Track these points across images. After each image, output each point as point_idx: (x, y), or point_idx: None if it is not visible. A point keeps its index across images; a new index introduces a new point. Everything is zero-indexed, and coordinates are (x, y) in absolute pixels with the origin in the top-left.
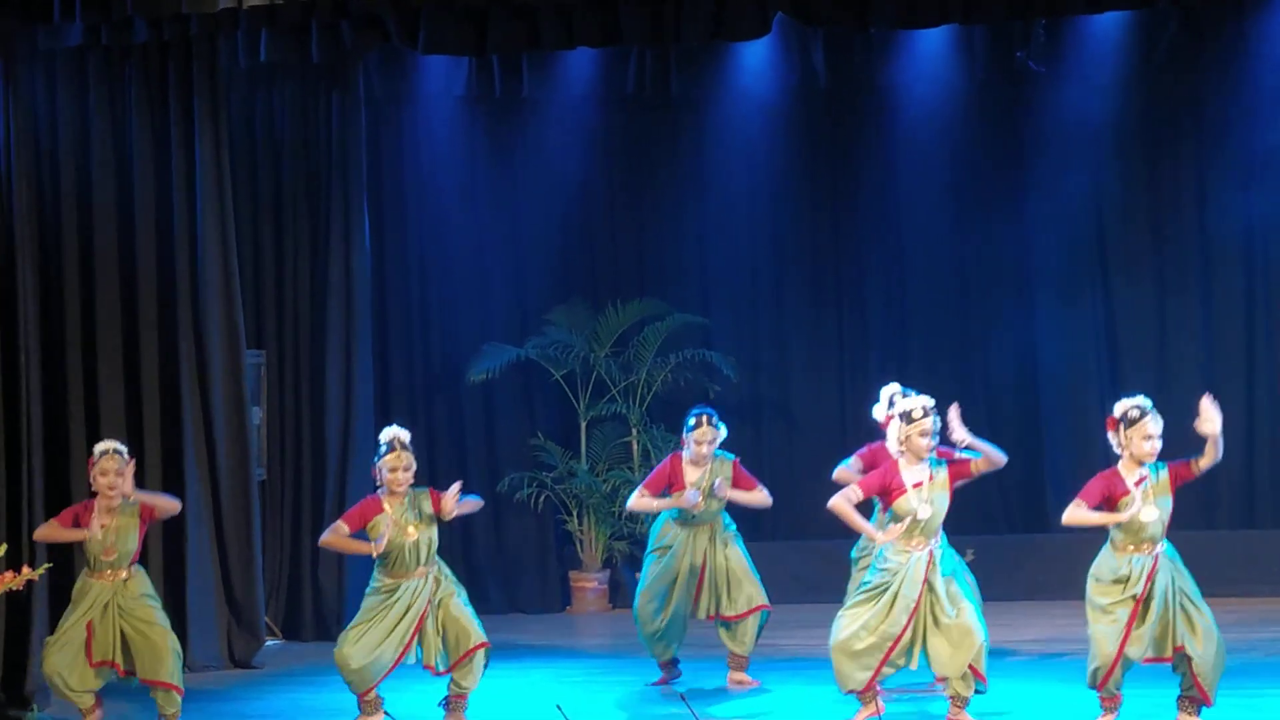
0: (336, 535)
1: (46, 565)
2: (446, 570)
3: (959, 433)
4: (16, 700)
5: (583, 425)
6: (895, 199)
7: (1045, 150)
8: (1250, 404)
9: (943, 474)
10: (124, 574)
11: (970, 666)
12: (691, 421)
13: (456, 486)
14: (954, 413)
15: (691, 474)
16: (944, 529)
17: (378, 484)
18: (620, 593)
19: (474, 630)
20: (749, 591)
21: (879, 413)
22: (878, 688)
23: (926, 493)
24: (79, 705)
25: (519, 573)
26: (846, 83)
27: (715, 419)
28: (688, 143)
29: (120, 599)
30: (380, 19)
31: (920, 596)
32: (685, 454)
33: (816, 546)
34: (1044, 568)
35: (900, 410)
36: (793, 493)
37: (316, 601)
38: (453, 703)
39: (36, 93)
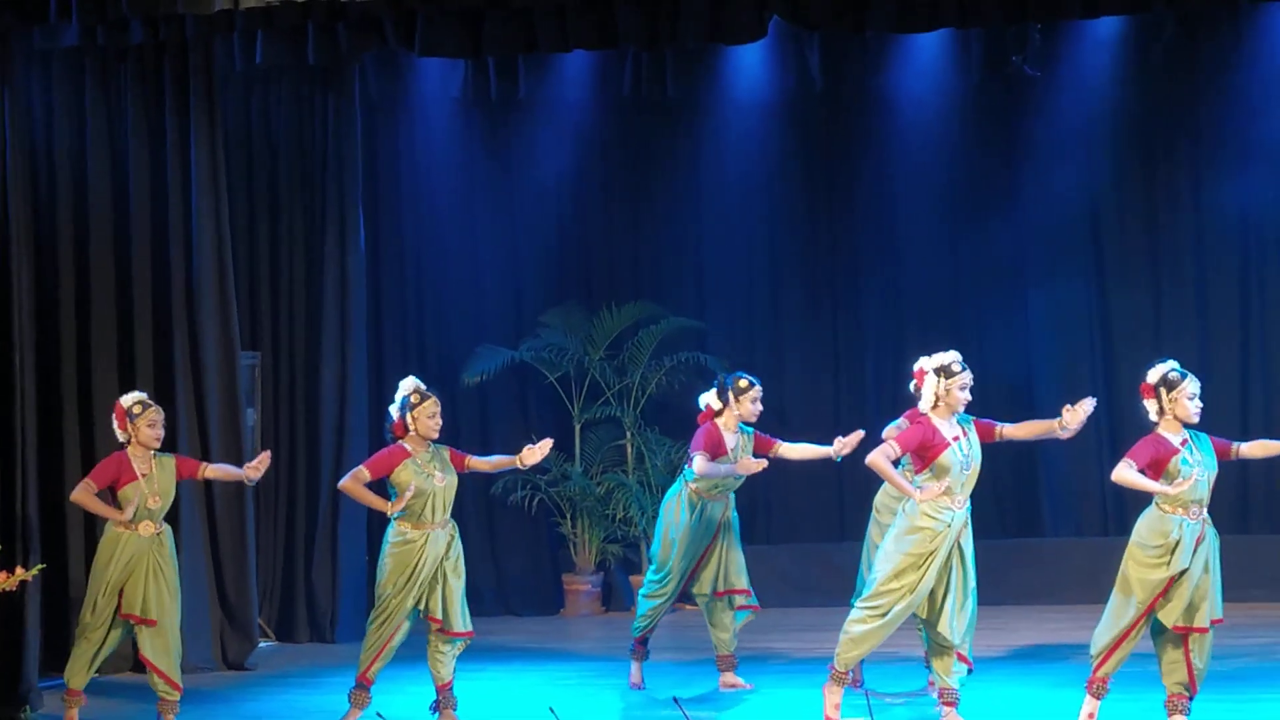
0: (356, 482)
1: (40, 566)
2: (459, 538)
3: (1078, 423)
4: (10, 701)
5: (577, 428)
6: (891, 202)
7: (1040, 154)
8: (1245, 407)
9: (973, 429)
10: (158, 528)
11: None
12: (743, 384)
13: (547, 442)
14: (1089, 405)
15: (730, 440)
16: None
17: (399, 436)
18: (614, 595)
19: (457, 618)
20: (746, 583)
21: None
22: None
23: (966, 447)
24: (73, 685)
25: (512, 575)
26: (842, 86)
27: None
28: (683, 145)
29: (157, 556)
30: (377, 21)
31: (950, 556)
32: (725, 418)
33: (809, 549)
34: (1036, 572)
35: (936, 365)
36: (786, 496)
37: (310, 603)
38: (441, 700)
39: (32, 93)
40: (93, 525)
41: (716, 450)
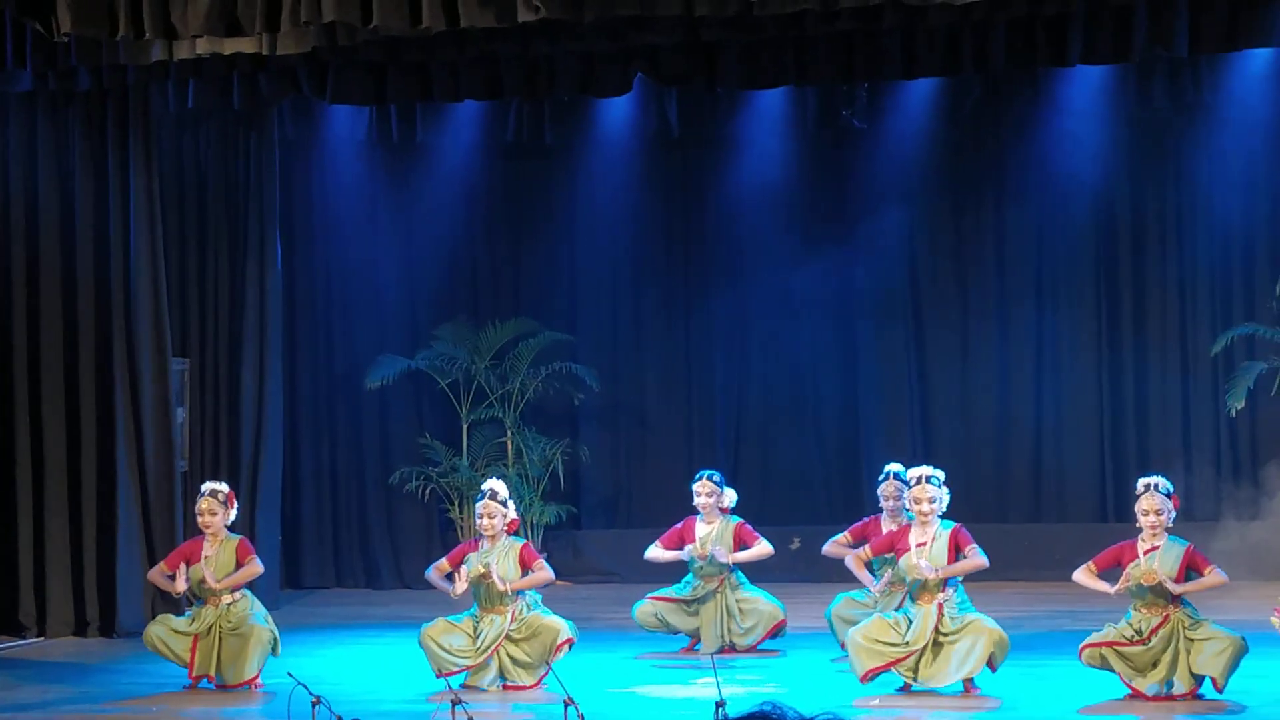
0: (437, 572)
1: None
2: (532, 605)
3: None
4: None
5: (464, 427)
6: (738, 234)
7: (867, 195)
8: (1039, 423)
9: (945, 539)
10: (229, 599)
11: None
12: (695, 478)
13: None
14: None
15: (702, 529)
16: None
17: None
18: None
19: (559, 628)
20: (762, 615)
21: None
22: None
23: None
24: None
25: (407, 554)
26: (697, 134)
27: (717, 479)
28: (559, 183)
29: (223, 622)
30: (293, 72)
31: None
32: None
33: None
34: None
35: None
36: (645, 485)
37: None
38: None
39: None
40: (41, 511)
41: (671, 541)
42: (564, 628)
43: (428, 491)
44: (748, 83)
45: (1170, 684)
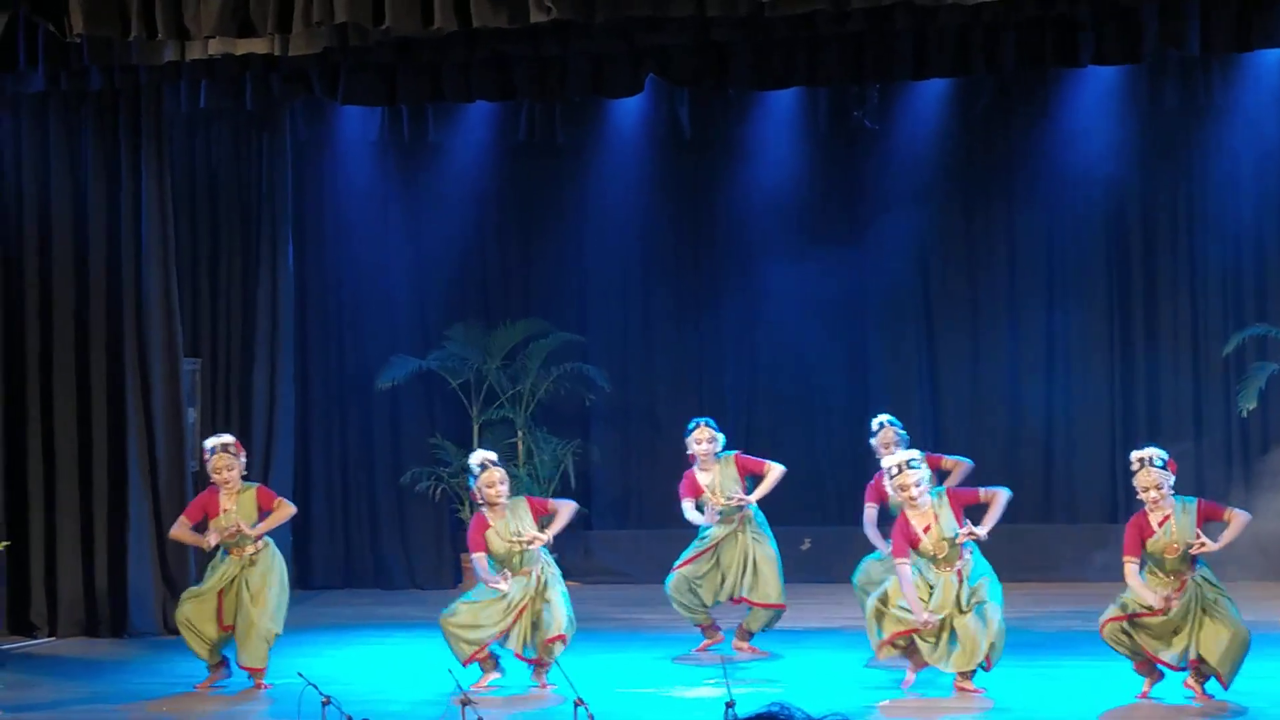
0: (485, 570)
1: (5, 544)
2: (551, 564)
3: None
4: None
5: (475, 428)
6: (748, 235)
7: (878, 196)
8: (1049, 424)
9: (945, 508)
10: (251, 549)
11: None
12: (690, 427)
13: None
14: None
15: (703, 478)
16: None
17: (479, 503)
18: None
19: (557, 620)
20: (772, 588)
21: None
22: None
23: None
24: (207, 659)
25: (418, 554)
26: (708, 134)
27: (710, 424)
28: (570, 184)
29: (247, 574)
30: (305, 73)
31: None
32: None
33: (674, 534)
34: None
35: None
36: (655, 485)
37: None
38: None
39: (3, 131)
40: (52, 511)
41: (689, 493)
42: (562, 619)
43: (439, 492)
44: (759, 83)
45: (1188, 650)
